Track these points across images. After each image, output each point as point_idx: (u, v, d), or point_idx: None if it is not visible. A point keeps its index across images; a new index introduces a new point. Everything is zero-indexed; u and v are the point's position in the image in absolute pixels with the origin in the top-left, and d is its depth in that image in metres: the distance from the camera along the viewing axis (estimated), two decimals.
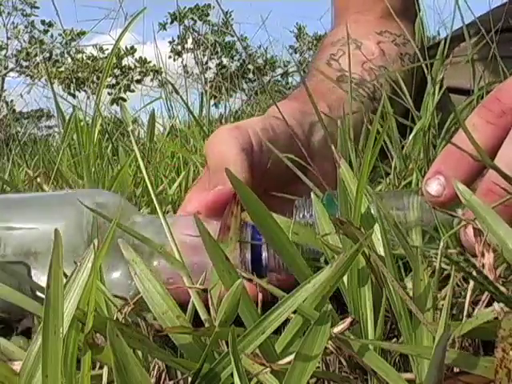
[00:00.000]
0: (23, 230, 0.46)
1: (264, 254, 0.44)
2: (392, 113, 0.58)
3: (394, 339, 0.37)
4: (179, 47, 6.02)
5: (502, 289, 0.29)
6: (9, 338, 0.42)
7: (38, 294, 0.35)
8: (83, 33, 5.48)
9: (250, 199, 0.36)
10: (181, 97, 0.96)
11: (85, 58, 5.74)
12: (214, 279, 0.37)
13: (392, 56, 0.72)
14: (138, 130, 1.83)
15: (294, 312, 0.31)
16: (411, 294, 0.32)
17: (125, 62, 6.09)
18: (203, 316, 0.35)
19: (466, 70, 0.69)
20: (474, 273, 0.29)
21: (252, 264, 0.44)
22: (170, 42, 6.33)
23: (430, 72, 0.65)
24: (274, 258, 0.43)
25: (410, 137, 0.62)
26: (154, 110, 0.75)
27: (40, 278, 0.44)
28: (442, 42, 0.68)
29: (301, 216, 0.44)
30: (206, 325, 0.35)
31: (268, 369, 0.29)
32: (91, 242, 0.31)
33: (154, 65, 5.65)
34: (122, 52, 5.83)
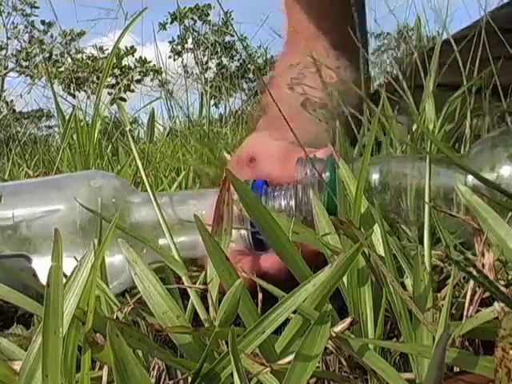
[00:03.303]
0: (24, 215, 0.47)
1: None
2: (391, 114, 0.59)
3: (394, 339, 0.37)
4: (179, 47, 6.02)
5: (502, 289, 0.29)
6: (7, 328, 0.42)
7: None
8: (83, 33, 5.48)
9: (250, 198, 0.35)
10: (177, 102, 0.96)
11: (85, 58, 5.73)
12: (211, 275, 0.36)
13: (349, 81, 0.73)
14: (138, 129, 1.83)
15: (294, 312, 0.31)
16: (411, 293, 0.32)
17: (125, 61, 6.09)
18: (203, 316, 0.35)
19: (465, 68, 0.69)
20: (474, 272, 0.29)
21: (253, 239, 0.44)
22: (170, 42, 6.33)
23: (428, 70, 0.65)
24: None
25: (408, 136, 0.62)
26: (153, 109, 0.75)
27: (41, 261, 0.44)
28: (438, 44, 0.69)
29: (303, 174, 0.45)
30: (206, 325, 0.34)
31: (268, 369, 0.29)
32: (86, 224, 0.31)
33: (154, 65, 5.65)
34: (122, 52, 5.83)
